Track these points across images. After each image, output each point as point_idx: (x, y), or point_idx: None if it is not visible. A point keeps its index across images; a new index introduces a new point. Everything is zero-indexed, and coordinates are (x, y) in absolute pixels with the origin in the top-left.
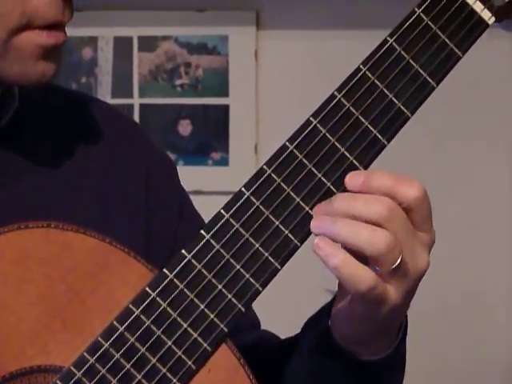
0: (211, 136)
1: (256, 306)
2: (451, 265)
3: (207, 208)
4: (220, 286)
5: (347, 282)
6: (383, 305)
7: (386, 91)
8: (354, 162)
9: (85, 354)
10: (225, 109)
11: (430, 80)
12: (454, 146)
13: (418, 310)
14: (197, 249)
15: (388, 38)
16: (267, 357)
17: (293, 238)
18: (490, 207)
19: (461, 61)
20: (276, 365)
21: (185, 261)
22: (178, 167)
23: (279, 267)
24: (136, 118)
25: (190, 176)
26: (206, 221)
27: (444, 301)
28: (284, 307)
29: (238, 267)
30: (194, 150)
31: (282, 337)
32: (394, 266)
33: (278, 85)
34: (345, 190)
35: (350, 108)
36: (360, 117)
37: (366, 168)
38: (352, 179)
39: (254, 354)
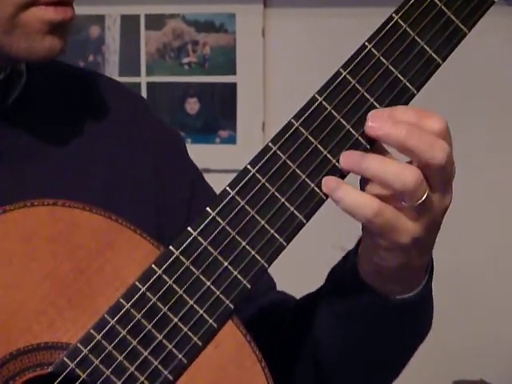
0: (219, 114)
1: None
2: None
3: (215, 186)
4: (226, 263)
5: (353, 212)
6: (400, 233)
7: (391, 68)
8: (360, 138)
9: (91, 330)
10: (232, 87)
11: (435, 57)
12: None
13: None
14: (202, 226)
15: (393, 15)
16: (287, 314)
17: (298, 214)
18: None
19: (466, 38)
20: (298, 320)
21: (190, 238)
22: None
23: (285, 244)
24: (143, 96)
25: (197, 154)
26: None
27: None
28: (298, 267)
29: (244, 244)
30: (202, 128)
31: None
32: (419, 202)
33: (285, 62)
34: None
35: (356, 85)
36: (365, 93)
37: (371, 146)
38: (375, 112)
39: (272, 315)
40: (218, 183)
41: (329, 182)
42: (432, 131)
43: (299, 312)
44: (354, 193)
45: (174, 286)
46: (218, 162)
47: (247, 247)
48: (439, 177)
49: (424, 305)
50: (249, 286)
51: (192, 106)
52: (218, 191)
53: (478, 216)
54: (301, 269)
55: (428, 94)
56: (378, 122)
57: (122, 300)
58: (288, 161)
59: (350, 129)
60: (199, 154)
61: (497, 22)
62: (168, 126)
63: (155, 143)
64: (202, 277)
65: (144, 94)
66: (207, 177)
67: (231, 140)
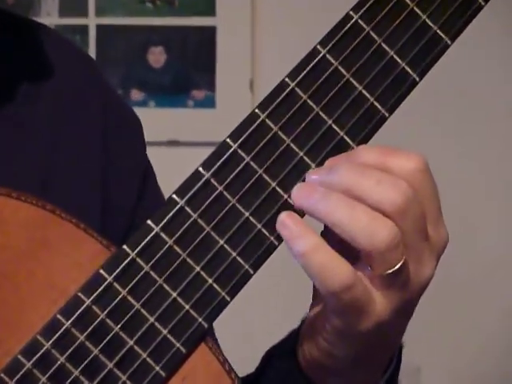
0: (192, 68)
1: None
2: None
3: (186, 163)
4: (198, 268)
5: (316, 276)
6: (364, 317)
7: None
8: (376, 103)
9: (19, 356)
10: (210, 32)
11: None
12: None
13: None
14: (167, 219)
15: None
16: None
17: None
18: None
19: None
20: None
21: (151, 234)
22: (148, 110)
23: (276, 243)
24: (92, 44)
25: (164, 121)
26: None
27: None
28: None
29: (222, 243)
30: (170, 86)
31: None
32: (391, 271)
33: (280, 0)
34: None
35: (371, 32)
36: (383, 44)
37: (391, 112)
38: (332, 160)
39: None
40: (191, 160)
41: (289, 223)
42: (402, 171)
43: None
44: (324, 252)
45: (129, 297)
46: (191, 132)
47: (226, 246)
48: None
49: None
50: (228, 299)
51: (156, 57)
52: (190, 171)
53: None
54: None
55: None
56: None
57: (59, 316)
58: (280, 133)
59: (363, 91)
60: (166, 120)
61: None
62: (123, 101)
63: (106, 119)
64: (165, 286)
65: (92, 40)
66: (176, 151)
67: (209, 103)
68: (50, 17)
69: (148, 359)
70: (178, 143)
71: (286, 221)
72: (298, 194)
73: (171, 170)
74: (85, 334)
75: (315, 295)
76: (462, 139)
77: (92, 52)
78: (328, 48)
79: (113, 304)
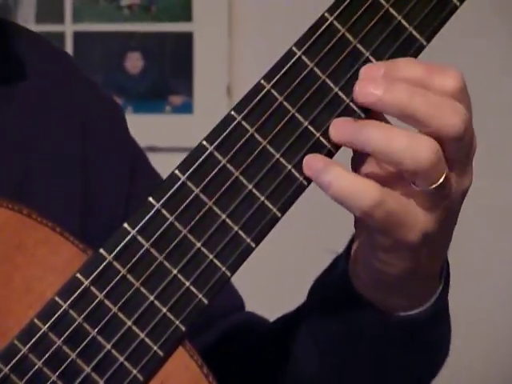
0: (170, 74)
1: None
2: None
3: (164, 169)
4: (175, 271)
5: (347, 201)
6: (408, 229)
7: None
8: (351, 104)
9: None
10: (187, 38)
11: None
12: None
13: None
14: (144, 222)
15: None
16: (255, 341)
17: (271, 206)
18: None
19: None
20: (269, 351)
21: (128, 238)
22: (125, 116)
23: (253, 245)
24: (69, 50)
25: (141, 127)
26: None
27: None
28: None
29: (199, 246)
30: (147, 92)
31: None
32: (435, 185)
33: (257, 6)
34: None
35: (346, 34)
36: (359, 45)
37: (365, 114)
38: (369, 70)
39: (236, 339)
40: (169, 165)
41: (313, 162)
42: (444, 91)
43: (271, 340)
44: (348, 176)
45: (106, 301)
46: (169, 138)
47: (203, 249)
48: (456, 151)
49: (439, 322)
50: (205, 302)
51: (134, 62)
52: (166, 175)
53: None
54: (288, 278)
55: None
56: (370, 84)
57: (36, 321)
58: (257, 135)
59: (339, 92)
60: (143, 126)
61: None
62: (103, 91)
63: (84, 113)
64: (143, 289)
65: (70, 47)
66: (154, 157)
67: (186, 108)
68: (26, 23)
69: (126, 363)
70: (156, 149)
71: (308, 162)
72: (335, 130)
73: None
74: (62, 338)
75: (356, 226)
76: None
77: None
78: (303, 49)
79: (90, 308)
